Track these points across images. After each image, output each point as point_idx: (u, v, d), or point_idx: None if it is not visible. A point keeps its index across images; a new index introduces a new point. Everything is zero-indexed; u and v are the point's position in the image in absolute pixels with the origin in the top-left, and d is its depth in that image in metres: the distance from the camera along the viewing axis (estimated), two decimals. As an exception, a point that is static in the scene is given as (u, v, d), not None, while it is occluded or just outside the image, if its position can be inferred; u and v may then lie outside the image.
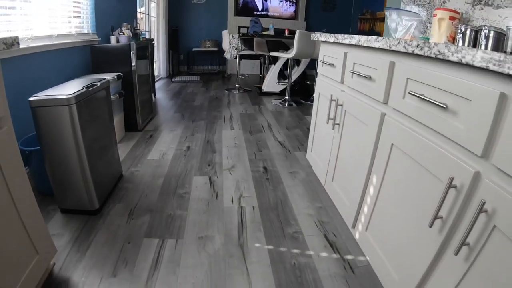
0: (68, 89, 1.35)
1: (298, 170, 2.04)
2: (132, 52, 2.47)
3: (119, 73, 2.38)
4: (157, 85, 4.75)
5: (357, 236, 1.26)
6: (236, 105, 3.77)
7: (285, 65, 4.36)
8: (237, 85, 4.68)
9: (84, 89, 1.39)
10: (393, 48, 0.98)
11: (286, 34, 4.68)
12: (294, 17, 6.55)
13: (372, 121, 1.15)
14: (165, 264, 1.17)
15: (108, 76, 2.06)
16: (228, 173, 1.96)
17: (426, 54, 0.82)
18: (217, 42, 6.33)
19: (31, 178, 1.63)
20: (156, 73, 5.11)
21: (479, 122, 0.67)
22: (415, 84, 0.91)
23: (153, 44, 3.98)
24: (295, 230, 1.43)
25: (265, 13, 6.39)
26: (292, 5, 6.51)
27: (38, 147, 1.39)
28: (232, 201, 1.65)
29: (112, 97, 2.22)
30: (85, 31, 2.56)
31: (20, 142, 1.54)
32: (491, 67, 0.61)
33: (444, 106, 0.77)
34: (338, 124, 1.49)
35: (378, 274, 1.09)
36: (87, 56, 2.49)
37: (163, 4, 5.55)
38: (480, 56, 0.63)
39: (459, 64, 0.74)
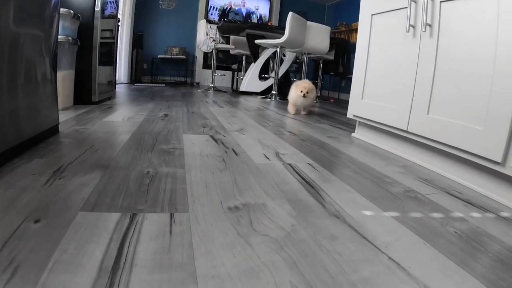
0: None
1: (336, 135, 1.43)
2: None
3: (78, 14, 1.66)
4: (117, 88, 3.95)
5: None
6: (215, 96, 3.12)
7: (264, 68, 3.88)
8: (211, 85, 4.06)
9: None
10: None
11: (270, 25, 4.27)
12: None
13: None
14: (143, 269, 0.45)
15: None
16: (239, 134, 1.28)
17: None
18: (186, 50, 5.76)
19: None
20: (116, 77, 4.33)
21: None
22: None
23: (118, 26, 3.27)
24: (403, 188, 0.79)
25: (238, 23, 6.05)
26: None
27: None
28: (267, 157, 0.97)
29: (62, 37, 1.49)
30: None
31: None
32: None
33: None
34: (430, 25, 0.96)
35: None
36: None
37: (130, 5, 4.93)
38: None
39: None
